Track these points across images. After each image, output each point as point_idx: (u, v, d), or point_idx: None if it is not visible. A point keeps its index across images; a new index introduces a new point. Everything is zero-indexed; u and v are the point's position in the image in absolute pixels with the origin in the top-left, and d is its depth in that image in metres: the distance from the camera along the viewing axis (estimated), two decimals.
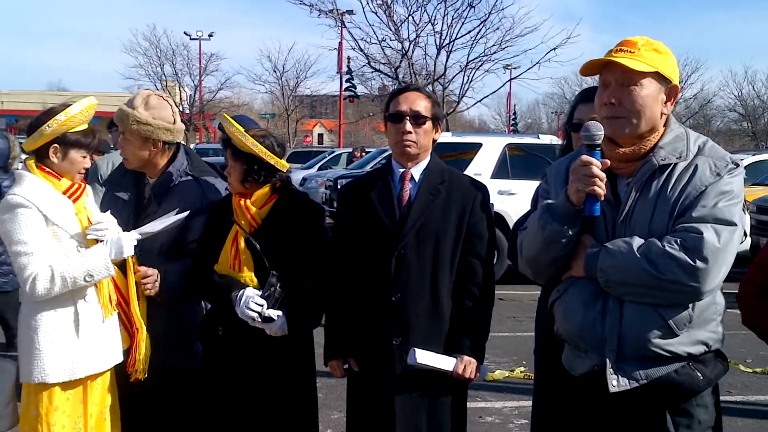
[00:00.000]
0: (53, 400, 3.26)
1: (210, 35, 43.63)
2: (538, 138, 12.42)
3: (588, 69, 2.58)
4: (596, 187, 2.43)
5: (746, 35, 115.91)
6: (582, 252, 2.54)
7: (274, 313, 3.31)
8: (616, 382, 2.47)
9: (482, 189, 3.36)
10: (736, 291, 3.16)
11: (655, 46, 2.54)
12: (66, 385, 3.28)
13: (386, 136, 3.43)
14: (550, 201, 2.61)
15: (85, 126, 3.37)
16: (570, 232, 2.52)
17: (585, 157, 2.45)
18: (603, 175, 2.44)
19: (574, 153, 2.80)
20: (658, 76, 2.51)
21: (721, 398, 6.02)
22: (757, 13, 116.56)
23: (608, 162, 2.47)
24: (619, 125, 2.51)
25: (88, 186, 3.49)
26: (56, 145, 3.30)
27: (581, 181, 2.44)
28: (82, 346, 3.29)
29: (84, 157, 3.37)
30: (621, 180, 2.58)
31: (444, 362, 3.16)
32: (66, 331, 3.27)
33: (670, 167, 2.50)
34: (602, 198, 2.46)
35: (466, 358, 3.19)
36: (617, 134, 2.53)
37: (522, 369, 6.80)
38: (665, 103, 2.56)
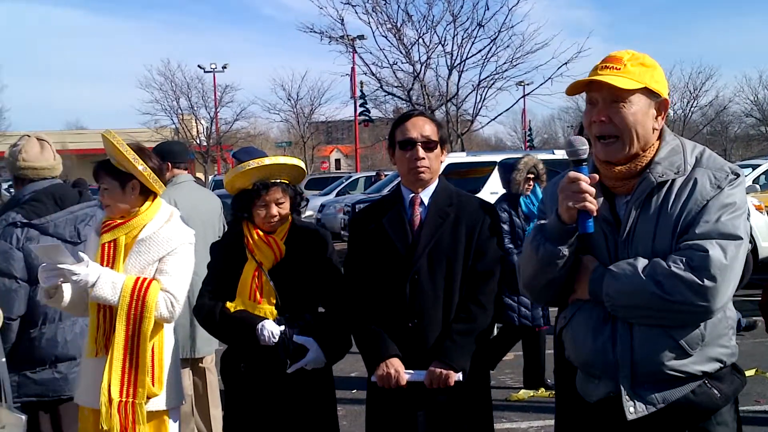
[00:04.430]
0: (79, 417, 3.58)
1: (224, 67, 43.92)
2: (554, 153, 12.42)
3: (574, 89, 2.53)
4: (587, 203, 2.39)
5: (759, 40, 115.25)
6: (585, 275, 2.50)
7: (303, 362, 3.38)
8: (633, 409, 2.41)
9: (491, 210, 3.36)
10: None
11: (642, 60, 2.49)
12: (82, 408, 3.52)
13: (394, 163, 3.42)
14: (542, 221, 2.56)
15: (108, 158, 3.48)
16: (564, 252, 2.47)
17: (572, 174, 2.41)
18: (592, 190, 2.39)
19: (567, 172, 2.78)
20: (647, 92, 2.46)
21: (750, 408, 5.96)
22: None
23: (596, 177, 2.44)
24: (614, 149, 2.46)
25: (139, 222, 3.47)
26: None
27: (571, 198, 2.40)
28: (82, 376, 3.54)
29: (100, 187, 3.46)
30: (619, 198, 2.52)
31: (420, 375, 3.16)
32: (82, 359, 3.55)
33: (669, 182, 2.45)
34: (594, 214, 2.42)
35: (437, 370, 3.12)
36: (613, 158, 2.48)
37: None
38: (656, 117, 2.51)
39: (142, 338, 3.34)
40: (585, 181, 2.40)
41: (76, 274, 3.23)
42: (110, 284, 3.31)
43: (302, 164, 3.57)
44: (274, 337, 3.35)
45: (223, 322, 3.44)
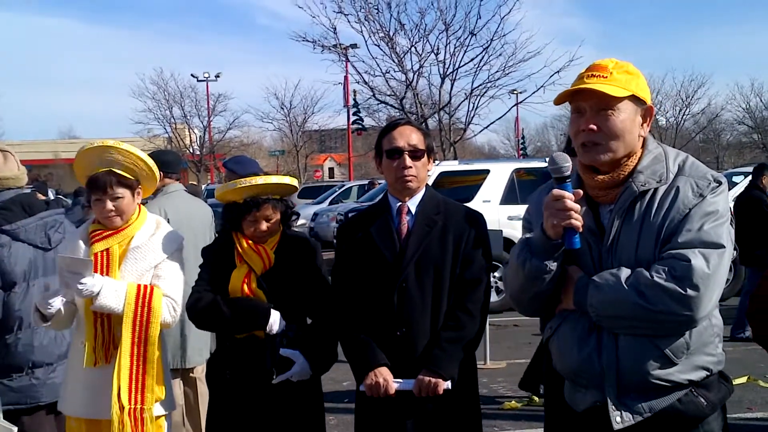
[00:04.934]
0: (65, 428, 3.57)
1: (217, 76, 43.87)
2: (546, 161, 12.42)
3: (562, 98, 2.54)
4: (572, 220, 2.40)
5: (751, 48, 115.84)
6: (570, 285, 2.50)
7: (289, 373, 3.38)
8: (619, 418, 2.41)
9: (478, 218, 3.35)
10: None
11: (626, 68, 2.50)
12: (70, 419, 3.52)
13: (381, 172, 3.43)
14: (528, 236, 2.56)
15: (103, 168, 3.47)
16: (552, 267, 2.47)
17: (556, 191, 2.42)
18: (577, 206, 2.40)
19: (552, 182, 2.77)
20: (634, 99, 2.48)
21: (742, 415, 5.95)
22: (759, 25, 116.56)
23: (581, 192, 2.44)
24: (598, 152, 2.46)
25: (131, 231, 3.51)
26: (88, 191, 3.51)
27: (555, 216, 2.41)
28: (70, 385, 3.48)
29: (98, 200, 3.45)
30: (603, 208, 2.52)
31: (409, 384, 3.16)
32: (69, 369, 3.53)
33: (652, 191, 2.45)
34: (580, 230, 2.42)
35: (426, 378, 3.12)
36: (596, 161, 2.48)
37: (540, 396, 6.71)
38: (642, 124, 2.52)
39: (150, 344, 3.39)
40: (569, 198, 2.41)
41: (82, 284, 3.26)
42: (113, 292, 3.35)
43: (294, 182, 3.58)
44: (278, 327, 3.39)
45: (229, 304, 3.42)
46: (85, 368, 3.39)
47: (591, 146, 2.47)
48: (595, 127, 2.45)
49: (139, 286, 3.42)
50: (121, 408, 3.31)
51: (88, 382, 3.41)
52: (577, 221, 2.41)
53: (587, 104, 2.47)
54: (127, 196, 3.52)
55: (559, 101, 2.56)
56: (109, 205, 3.46)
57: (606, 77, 2.45)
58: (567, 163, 2.43)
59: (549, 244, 2.46)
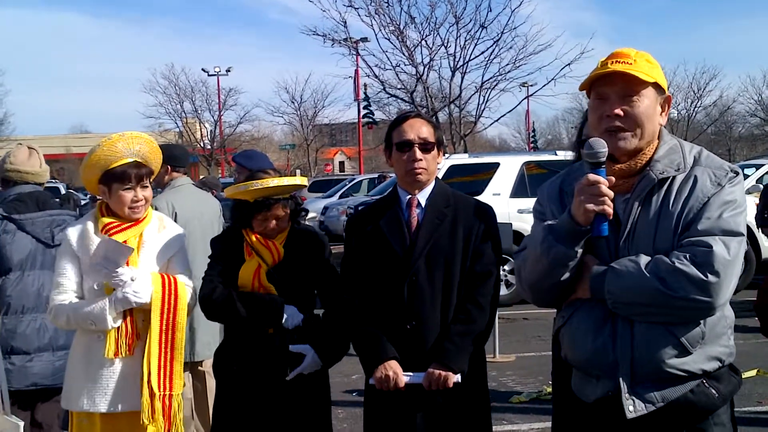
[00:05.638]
0: (74, 426, 3.47)
1: (227, 70, 44.00)
2: (556, 154, 12.37)
3: (588, 82, 2.52)
4: (606, 206, 2.37)
5: (762, 40, 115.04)
6: (586, 273, 2.47)
7: (301, 368, 3.39)
8: (632, 407, 2.39)
9: (488, 211, 3.34)
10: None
11: (647, 57, 2.51)
12: (80, 416, 3.43)
13: (390, 165, 3.42)
14: (550, 222, 2.52)
15: (130, 159, 3.47)
16: (577, 254, 2.45)
17: (592, 176, 2.39)
18: (611, 193, 2.38)
19: (565, 172, 2.74)
20: (657, 87, 2.48)
21: (753, 408, 5.92)
22: None
23: (613, 179, 2.41)
24: (622, 139, 2.45)
25: (143, 225, 3.53)
26: (101, 184, 3.49)
27: (590, 200, 2.37)
28: (89, 381, 3.39)
29: (128, 189, 3.45)
30: (618, 197, 2.49)
31: (418, 377, 3.15)
32: (80, 363, 3.44)
33: (669, 180, 2.45)
34: (611, 217, 2.40)
35: (436, 372, 3.11)
36: (620, 150, 2.46)
37: (549, 390, 6.70)
38: (661, 114, 2.52)
39: (177, 330, 3.42)
40: (604, 183, 2.38)
41: (116, 273, 3.30)
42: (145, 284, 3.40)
43: (304, 180, 3.60)
44: (295, 321, 3.41)
45: (243, 298, 3.42)
46: (102, 362, 3.38)
47: (615, 131, 2.45)
48: (621, 112, 2.44)
49: (162, 274, 3.47)
50: (152, 395, 3.33)
51: (106, 375, 3.39)
52: (610, 207, 2.39)
53: (612, 90, 2.47)
54: (149, 186, 3.58)
55: (584, 86, 2.55)
56: (140, 194, 3.49)
57: (631, 63, 2.45)
58: (603, 148, 2.40)
59: (577, 230, 2.43)
